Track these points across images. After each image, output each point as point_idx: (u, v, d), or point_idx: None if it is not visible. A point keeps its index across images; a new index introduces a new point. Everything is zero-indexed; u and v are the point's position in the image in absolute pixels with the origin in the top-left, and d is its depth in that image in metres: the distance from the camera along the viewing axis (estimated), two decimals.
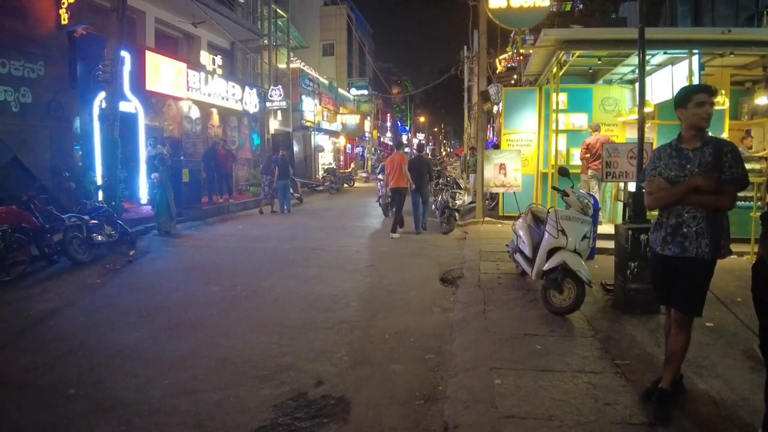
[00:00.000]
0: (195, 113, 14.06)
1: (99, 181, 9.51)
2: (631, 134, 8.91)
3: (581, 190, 5.64)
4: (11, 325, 4.50)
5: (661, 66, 8.38)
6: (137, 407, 3.03)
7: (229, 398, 3.14)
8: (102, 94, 9.72)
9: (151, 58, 11.71)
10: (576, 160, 9.24)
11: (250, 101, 16.94)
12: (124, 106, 10.10)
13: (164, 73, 12.25)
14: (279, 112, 19.88)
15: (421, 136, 62.88)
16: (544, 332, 3.97)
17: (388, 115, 50.87)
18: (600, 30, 8.13)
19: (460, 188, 10.39)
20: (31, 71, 8.90)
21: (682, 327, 2.76)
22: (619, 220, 5.83)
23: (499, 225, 9.58)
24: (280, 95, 18.51)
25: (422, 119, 65.73)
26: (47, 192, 8.35)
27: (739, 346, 3.62)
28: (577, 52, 7.81)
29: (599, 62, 9.00)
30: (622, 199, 5.64)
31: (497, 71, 17.55)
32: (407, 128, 58.07)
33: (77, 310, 4.92)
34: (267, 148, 18.04)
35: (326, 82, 27.26)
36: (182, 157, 12.10)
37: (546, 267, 4.42)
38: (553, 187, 5.61)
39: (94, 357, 3.77)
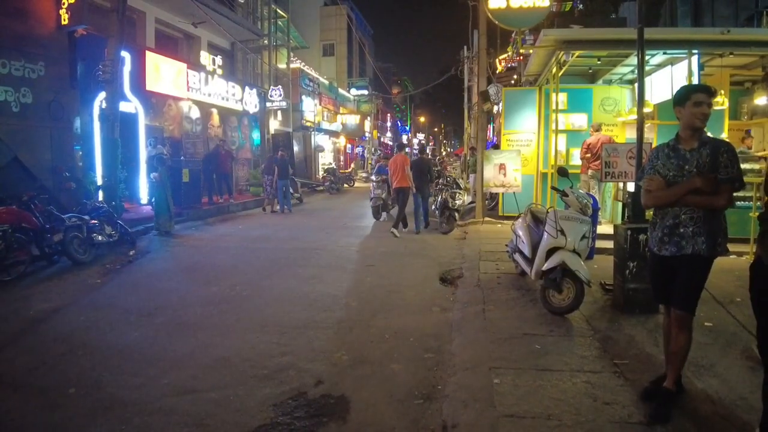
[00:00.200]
0: (195, 113, 14.07)
1: (99, 181, 9.53)
2: (631, 134, 8.91)
3: (580, 190, 5.65)
4: (12, 325, 4.51)
5: (660, 66, 8.39)
6: (137, 406, 3.04)
7: (229, 397, 3.15)
8: (102, 95, 9.74)
9: (152, 59, 11.73)
10: (576, 160, 9.25)
11: (250, 101, 16.95)
12: (124, 107, 10.12)
13: (164, 73, 12.27)
14: (279, 112, 19.90)
15: (421, 136, 62.92)
16: (543, 332, 3.98)
17: (388, 115, 50.89)
18: (599, 30, 8.13)
19: (460, 188, 10.41)
20: (32, 71, 8.91)
21: (682, 326, 2.77)
22: (619, 220, 5.83)
23: (499, 225, 9.59)
24: (280, 95, 18.52)
25: (422, 119, 65.74)
26: (47, 192, 8.35)
27: (738, 346, 3.63)
28: (577, 53, 7.82)
29: (599, 62, 9.01)
30: (622, 199, 5.65)
31: (497, 71, 17.56)
32: (407, 128, 58.07)
33: (78, 310, 4.94)
34: (267, 149, 18.06)
35: (326, 82, 27.27)
36: (182, 157, 12.11)
37: (545, 267, 4.43)
38: (553, 187, 5.62)
39: (94, 356, 3.78)
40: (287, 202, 12.98)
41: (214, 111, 15.08)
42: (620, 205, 6.37)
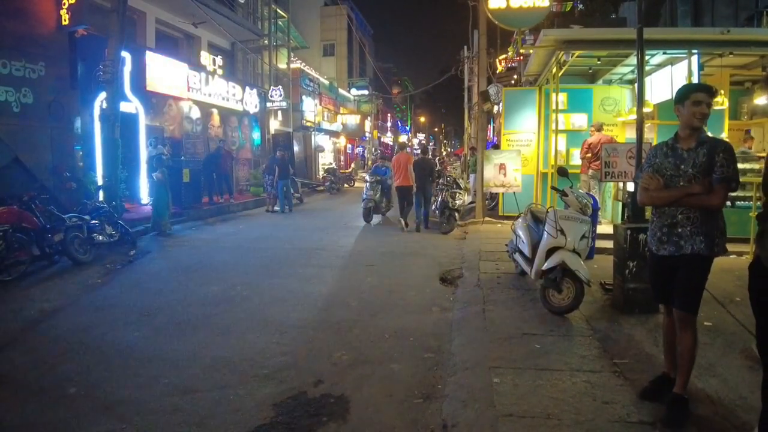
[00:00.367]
0: (195, 113, 14.08)
1: (100, 182, 9.53)
2: (631, 134, 8.90)
3: (580, 190, 5.65)
4: (12, 325, 4.52)
5: (660, 66, 8.39)
6: (138, 406, 3.04)
7: (229, 397, 3.16)
8: (103, 95, 9.75)
9: (152, 59, 11.73)
10: (576, 160, 9.25)
11: (251, 101, 16.96)
12: (124, 107, 10.12)
13: (165, 73, 12.27)
14: (279, 113, 19.90)
15: (421, 136, 62.90)
16: (543, 331, 3.99)
17: (389, 115, 50.88)
18: (599, 30, 8.14)
19: (460, 188, 10.40)
20: (32, 72, 8.92)
21: (686, 327, 2.74)
22: (619, 220, 5.84)
23: (499, 225, 9.59)
24: (281, 95, 18.53)
25: (422, 119, 65.74)
26: (48, 192, 8.35)
27: (738, 345, 3.64)
28: (577, 53, 7.82)
29: (599, 62, 9.01)
30: (622, 198, 5.65)
31: (497, 71, 17.57)
32: (407, 128, 58.08)
33: (78, 310, 4.94)
34: (268, 149, 18.07)
35: (326, 82, 27.28)
36: (183, 157, 12.11)
37: (545, 266, 4.43)
38: (552, 187, 5.63)
39: (94, 356, 3.79)
40: (288, 202, 12.99)
41: (215, 111, 15.09)
42: (620, 204, 6.38)
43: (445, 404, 3.02)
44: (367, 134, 36.33)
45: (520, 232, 5.31)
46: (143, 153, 11.20)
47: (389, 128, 50.15)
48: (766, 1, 11.23)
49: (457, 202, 9.74)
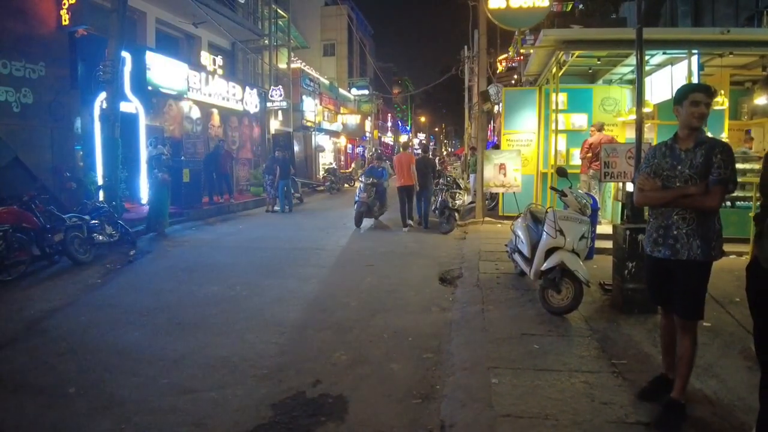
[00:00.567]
0: (195, 113, 14.09)
1: (100, 181, 9.53)
2: (631, 134, 8.86)
3: (579, 191, 5.65)
4: (12, 325, 4.53)
5: (660, 66, 8.39)
6: (137, 406, 3.05)
7: (228, 397, 3.16)
8: (103, 95, 9.75)
9: (152, 59, 11.74)
10: (576, 160, 9.24)
11: (251, 101, 16.96)
12: (124, 107, 10.12)
13: (165, 73, 12.28)
14: (280, 112, 19.90)
15: (422, 135, 62.89)
16: (542, 332, 3.99)
17: (389, 115, 50.87)
18: (599, 30, 8.14)
19: (460, 188, 10.40)
20: (32, 72, 8.93)
21: (685, 331, 2.72)
22: (619, 220, 5.84)
23: (499, 225, 9.59)
24: (281, 95, 18.53)
25: (423, 119, 65.72)
26: (48, 192, 8.36)
27: (737, 346, 3.64)
28: (577, 53, 7.82)
29: (599, 62, 9.01)
30: (621, 199, 5.65)
31: (497, 71, 17.57)
32: (408, 128, 58.08)
33: (78, 310, 4.95)
34: (268, 149, 18.08)
35: (327, 82, 27.28)
36: (183, 157, 12.12)
37: (544, 267, 4.43)
38: (552, 188, 5.63)
39: (94, 356, 3.79)
40: (288, 202, 13.00)
41: (215, 111, 15.10)
42: (620, 205, 6.38)
43: (443, 404, 3.02)
44: (367, 134, 36.30)
45: (520, 233, 5.31)
46: (143, 153, 11.20)
47: (389, 128, 50.14)
48: (766, 1, 11.21)
49: (457, 202, 9.75)
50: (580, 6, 15.34)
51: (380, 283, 5.92)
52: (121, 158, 9.39)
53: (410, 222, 9.95)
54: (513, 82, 16.22)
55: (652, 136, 7.87)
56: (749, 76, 9.05)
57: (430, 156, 11.53)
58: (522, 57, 14.34)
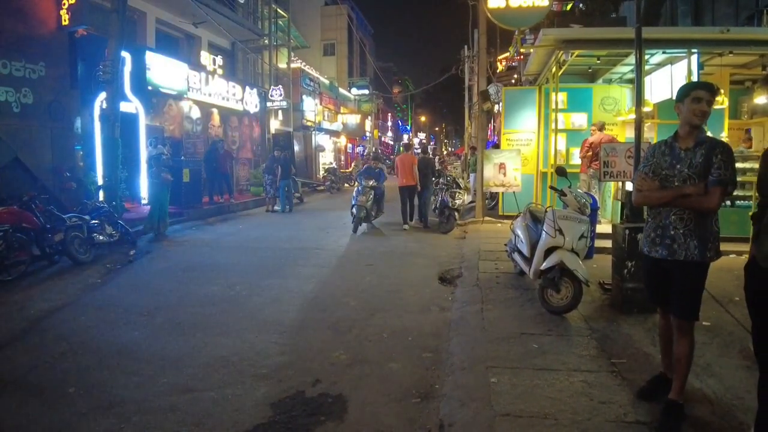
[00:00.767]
0: (195, 113, 14.09)
1: (100, 181, 9.54)
2: (631, 134, 8.81)
3: (579, 190, 5.65)
4: (12, 324, 4.53)
5: (660, 65, 8.38)
6: (137, 405, 3.06)
7: (228, 397, 3.17)
8: (103, 95, 9.76)
9: (152, 59, 11.74)
10: (575, 159, 9.24)
11: (251, 101, 16.97)
12: (124, 107, 10.13)
13: (165, 73, 12.28)
14: (280, 112, 19.91)
15: (422, 135, 62.89)
16: (541, 331, 3.99)
17: (389, 114, 50.87)
18: (598, 30, 8.14)
19: (460, 188, 10.40)
20: (32, 72, 8.94)
21: (682, 332, 2.70)
22: (619, 220, 5.84)
23: (499, 224, 9.59)
24: (281, 95, 18.53)
25: (423, 119, 65.73)
26: (48, 192, 8.37)
27: (736, 345, 3.64)
28: (576, 52, 7.82)
29: (598, 62, 9.00)
30: (621, 198, 5.65)
31: (497, 71, 17.58)
32: (408, 128, 58.07)
33: (78, 310, 4.96)
34: (268, 148, 18.08)
35: (327, 81, 27.27)
36: (183, 157, 12.12)
37: (543, 266, 4.44)
38: (551, 187, 5.63)
39: (94, 356, 3.80)
40: (289, 202, 13.00)
41: (215, 111, 15.10)
42: (620, 204, 6.38)
43: (442, 404, 3.03)
44: (367, 134, 36.31)
45: (519, 232, 5.31)
46: (143, 153, 11.21)
47: (390, 128, 50.15)
48: (766, 0, 11.20)
49: (456, 201, 9.75)
50: (580, 5, 15.33)
51: (380, 282, 5.93)
52: (121, 158, 9.40)
53: (410, 222, 10.04)
54: (513, 81, 16.23)
55: (651, 135, 7.86)
56: (749, 76, 9.04)
57: (430, 156, 11.58)
58: (522, 56, 14.34)
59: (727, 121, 8.17)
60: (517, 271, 5.69)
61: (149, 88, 11.54)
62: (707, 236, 2.66)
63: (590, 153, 8.40)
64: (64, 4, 9.39)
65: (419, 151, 14.56)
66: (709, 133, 2.83)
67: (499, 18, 8.93)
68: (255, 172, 16.47)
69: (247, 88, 16.83)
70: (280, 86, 18.86)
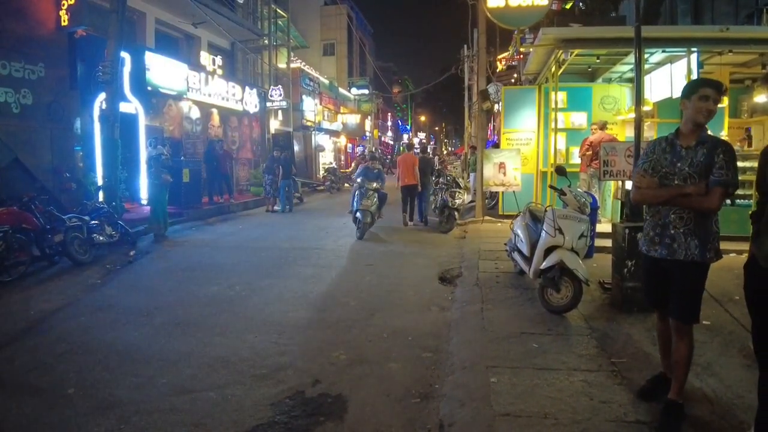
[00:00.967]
0: (195, 113, 14.09)
1: (99, 182, 9.53)
2: (631, 133, 8.78)
3: (579, 189, 5.65)
4: (12, 325, 4.53)
5: (659, 64, 8.37)
6: (136, 406, 3.05)
7: (227, 397, 3.16)
8: (102, 95, 9.75)
9: (152, 59, 11.74)
10: (575, 158, 9.23)
11: (251, 101, 16.96)
12: (124, 107, 10.13)
13: (164, 73, 12.28)
14: (279, 112, 19.90)
15: (422, 135, 62.88)
16: (541, 331, 3.99)
17: (389, 114, 50.86)
18: (597, 29, 8.13)
19: (460, 187, 10.40)
20: (32, 73, 8.94)
21: (681, 334, 2.66)
22: (619, 219, 5.83)
23: (499, 224, 9.58)
24: (281, 95, 18.52)
25: (423, 118, 65.70)
26: (48, 193, 8.38)
27: (736, 344, 3.63)
28: (576, 51, 7.81)
29: (598, 61, 8.99)
30: (621, 197, 5.65)
31: (497, 70, 17.57)
32: (408, 127, 58.05)
33: (77, 310, 4.96)
34: (268, 148, 18.08)
35: (327, 81, 27.26)
36: (182, 157, 12.12)
37: (543, 266, 4.43)
38: (551, 186, 5.62)
39: (93, 356, 3.80)
40: (289, 202, 13.00)
41: (215, 111, 15.09)
42: (620, 203, 6.37)
43: (442, 403, 3.02)
44: (367, 134, 36.29)
45: (519, 231, 5.31)
46: (143, 153, 11.20)
47: (390, 127, 50.13)
48: None
49: (456, 201, 9.75)
50: (580, 4, 15.31)
51: (380, 282, 5.92)
52: (121, 159, 9.39)
53: (410, 222, 10.19)
54: (512, 80, 16.23)
55: (651, 134, 7.84)
56: (749, 74, 9.03)
57: (429, 155, 11.67)
58: (521, 56, 14.33)
59: (727, 120, 8.17)
60: (517, 271, 5.68)
61: (149, 88, 11.53)
62: (707, 236, 2.63)
63: (590, 152, 8.38)
64: (64, 5, 9.38)
65: (418, 150, 14.54)
66: (709, 132, 2.81)
67: (499, 17, 8.92)
68: (255, 172, 16.47)
69: (247, 88, 16.83)
70: (280, 86, 18.85)
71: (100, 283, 6.06)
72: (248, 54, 18.95)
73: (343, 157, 30.93)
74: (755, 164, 7.32)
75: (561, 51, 7.61)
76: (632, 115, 8.51)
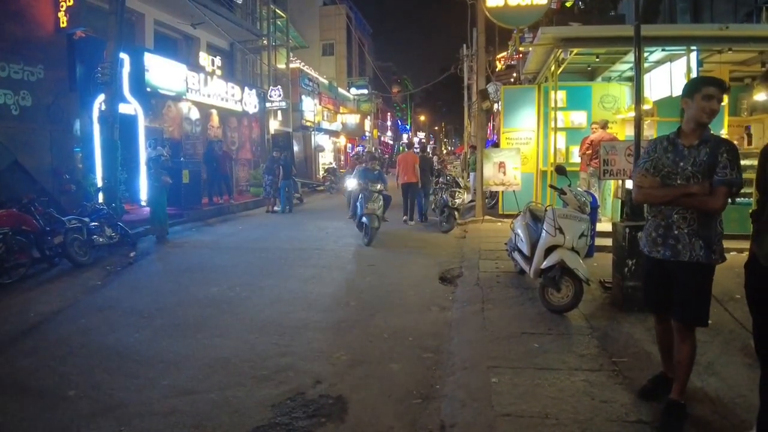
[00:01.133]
0: (195, 114, 14.08)
1: (99, 183, 9.53)
2: (630, 131, 8.79)
3: (579, 188, 5.64)
4: (12, 327, 4.53)
5: (659, 63, 8.36)
6: (137, 408, 3.05)
7: (228, 398, 3.16)
8: (102, 97, 9.74)
9: (151, 60, 11.73)
10: (575, 158, 9.23)
11: (250, 102, 16.95)
12: (123, 108, 10.12)
13: (164, 74, 12.27)
14: (279, 112, 19.88)
15: (421, 134, 62.88)
16: (542, 330, 3.98)
17: (389, 114, 50.85)
18: (597, 28, 8.11)
19: (460, 187, 10.40)
20: (31, 74, 8.93)
21: (684, 337, 2.62)
22: (619, 218, 5.83)
23: (499, 223, 9.58)
24: (280, 95, 18.51)
25: (422, 118, 65.71)
26: (48, 194, 8.37)
27: (737, 343, 3.63)
28: (575, 50, 7.81)
29: (597, 60, 8.98)
30: (621, 196, 5.64)
31: (496, 69, 17.56)
32: (408, 127, 58.05)
33: (78, 312, 4.95)
34: (267, 149, 18.07)
35: (326, 81, 27.26)
36: (182, 158, 12.12)
37: (544, 265, 4.43)
38: (551, 186, 5.62)
39: (94, 358, 3.80)
40: (289, 203, 13.00)
41: (214, 112, 15.09)
42: (620, 202, 6.36)
43: (443, 404, 3.02)
44: (367, 133, 36.30)
45: (519, 231, 5.30)
46: (143, 154, 11.19)
47: (389, 127, 50.13)
48: None
49: (456, 200, 9.74)
50: (579, 3, 15.29)
51: (380, 282, 5.92)
52: (121, 160, 9.39)
53: (410, 222, 10.38)
54: (512, 80, 16.22)
55: (651, 133, 7.84)
56: (748, 73, 9.03)
57: (429, 155, 11.74)
58: (521, 55, 14.32)
59: (726, 118, 8.16)
60: (518, 270, 5.68)
61: (148, 89, 11.52)
62: (711, 237, 2.58)
63: (590, 151, 8.37)
64: (62, 6, 9.37)
65: (418, 150, 14.52)
66: (711, 131, 2.80)
67: (498, 17, 8.91)
68: (255, 172, 16.46)
69: (246, 88, 16.82)
70: (279, 86, 18.84)
71: (100, 284, 6.05)
72: (247, 54, 18.94)
73: (342, 157, 30.92)
74: (755, 162, 7.32)
75: (560, 50, 7.60)
76: (632, 113, 8.49)
